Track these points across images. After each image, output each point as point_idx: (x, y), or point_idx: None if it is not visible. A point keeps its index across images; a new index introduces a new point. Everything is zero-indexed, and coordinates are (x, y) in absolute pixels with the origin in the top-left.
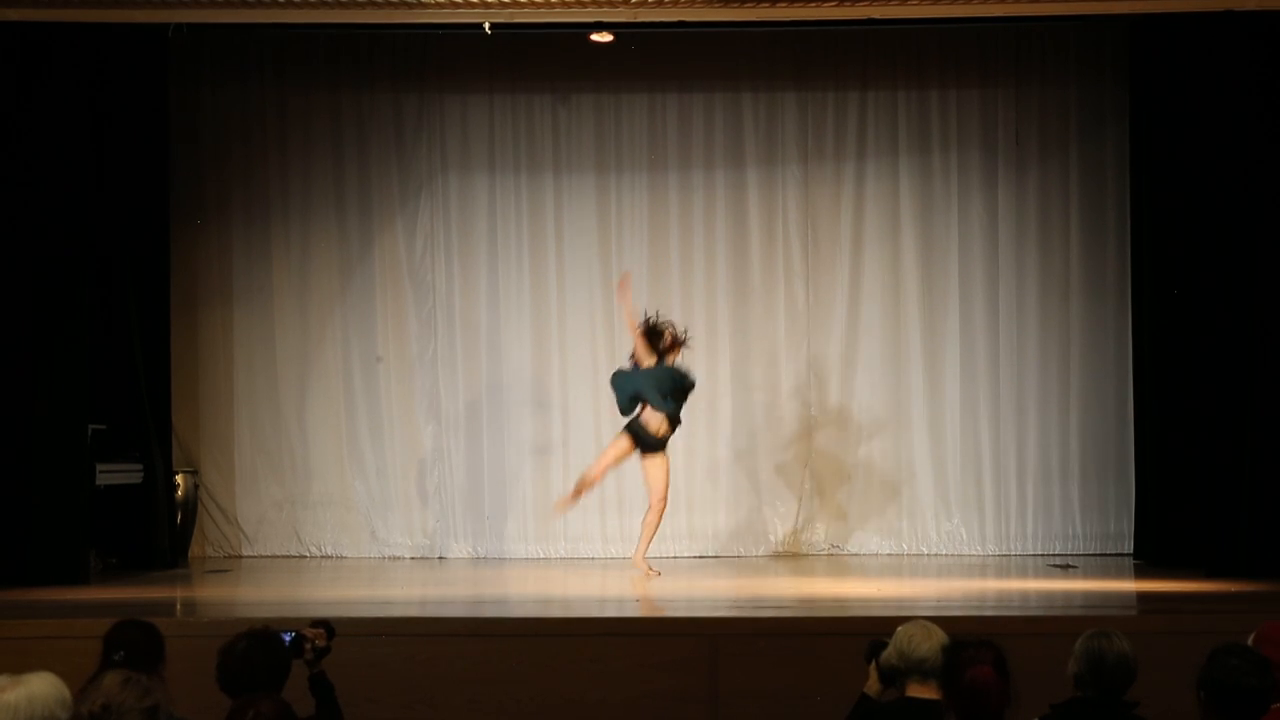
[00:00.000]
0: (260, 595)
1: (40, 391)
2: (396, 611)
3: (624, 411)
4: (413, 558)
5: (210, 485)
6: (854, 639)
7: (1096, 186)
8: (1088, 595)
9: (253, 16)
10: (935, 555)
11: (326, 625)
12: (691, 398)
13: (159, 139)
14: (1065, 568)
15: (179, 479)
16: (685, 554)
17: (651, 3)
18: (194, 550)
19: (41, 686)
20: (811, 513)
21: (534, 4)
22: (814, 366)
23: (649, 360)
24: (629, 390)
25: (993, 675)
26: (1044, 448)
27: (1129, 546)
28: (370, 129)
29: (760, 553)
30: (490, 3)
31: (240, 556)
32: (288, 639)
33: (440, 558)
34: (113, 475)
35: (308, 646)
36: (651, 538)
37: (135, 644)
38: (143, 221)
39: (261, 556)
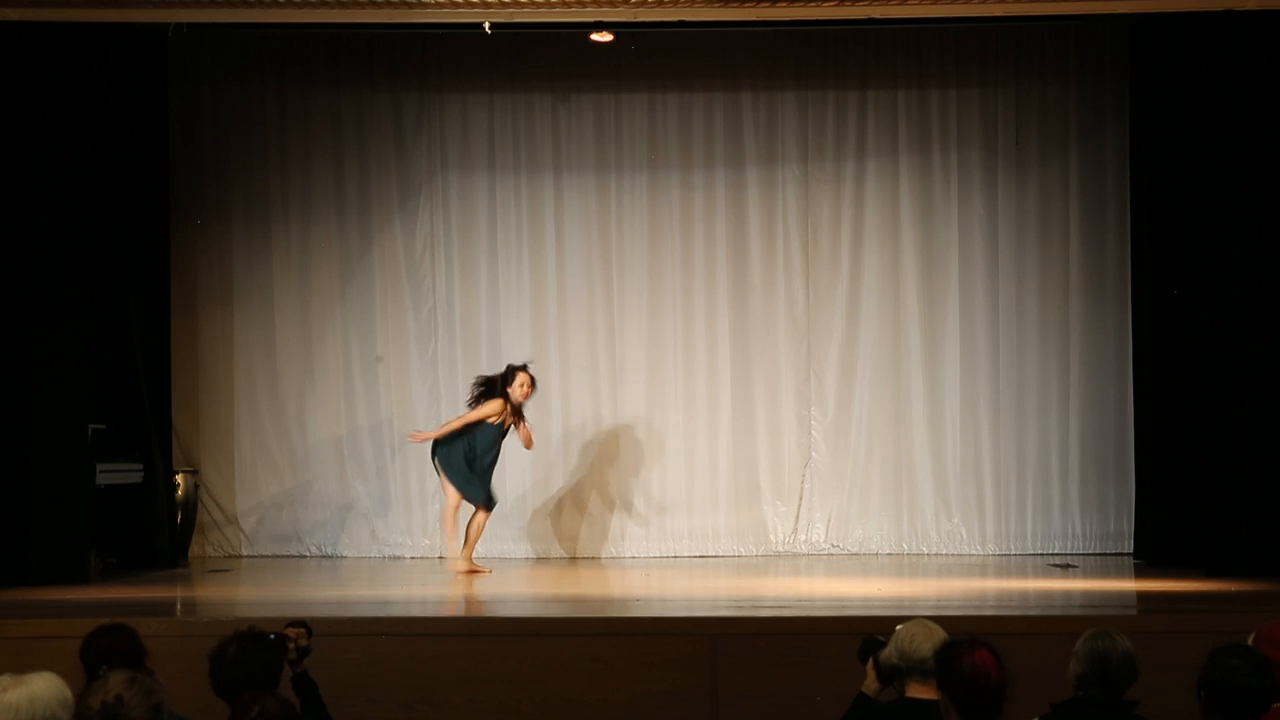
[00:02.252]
0: (260, 595)
1: (40, 391)
2: (396, 611)
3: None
4: (413, 558)
5: (210, 485)
6: (854, 639)
7: (1096, 186)
8: (1088, 595)
9: (253, 16)
10: (935, 555)
11: (305, 624)
12: (692, 397)
13: (159, 139)
14: (1065, 567)
15: (179, 479)
16: (685, 554)
17: (651, 3)
18: (194, 550)
19: (43, 686)
20: (811, 513)
21: (534, 4)
22: (814, 366)
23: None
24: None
25: (991, 659)
26: (1044, 448)
27: (1129, 546)
28: (370, 129)
29: (760, 553)
30: (490, 3)
31: (240, 556)
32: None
33: (440, 557)
34: (113, 475)
35: (291, 646)
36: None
37: (106, 654)
38: (143, 221)
39: (261, 556)
